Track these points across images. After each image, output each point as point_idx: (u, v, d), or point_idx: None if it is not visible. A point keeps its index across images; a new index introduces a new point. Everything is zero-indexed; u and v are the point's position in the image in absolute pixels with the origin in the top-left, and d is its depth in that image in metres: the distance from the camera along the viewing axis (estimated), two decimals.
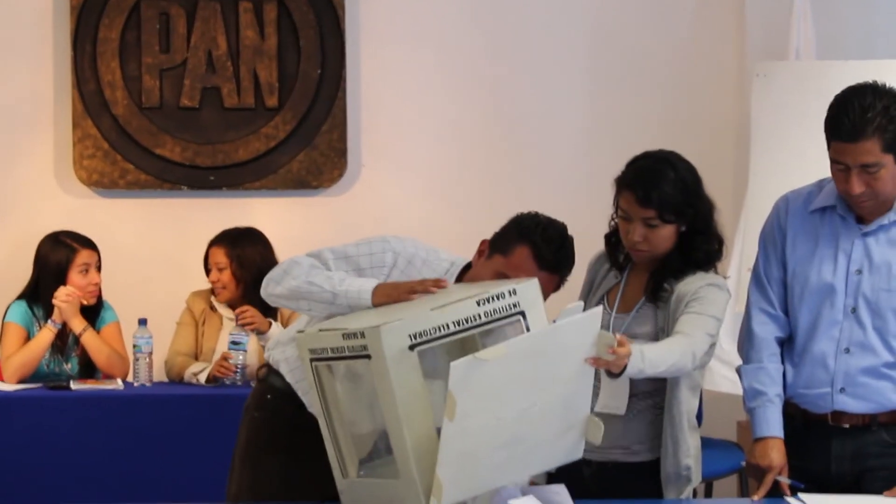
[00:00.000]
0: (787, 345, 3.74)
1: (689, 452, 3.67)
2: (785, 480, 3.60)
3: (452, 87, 6.54)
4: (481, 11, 6.53)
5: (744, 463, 3.72)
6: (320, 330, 3.30)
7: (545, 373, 3.17)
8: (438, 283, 3.43)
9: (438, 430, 3.12)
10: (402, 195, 6.53)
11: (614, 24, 6.53)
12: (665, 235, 3.68)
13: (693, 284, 3.66)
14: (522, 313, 3.26)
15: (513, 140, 6.53)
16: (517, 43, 6.53)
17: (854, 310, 3.61)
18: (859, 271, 3.62)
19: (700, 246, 3.71)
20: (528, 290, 3.29)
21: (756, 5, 6.35)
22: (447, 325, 3.16)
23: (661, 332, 3.66)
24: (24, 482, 5.19)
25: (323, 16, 6.43)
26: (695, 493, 3.79)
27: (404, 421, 3.09)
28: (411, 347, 3.10)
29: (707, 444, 5.89)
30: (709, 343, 3.61)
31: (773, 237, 3.76)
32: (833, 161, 3.54)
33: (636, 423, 3.71)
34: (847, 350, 3.61)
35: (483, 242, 3.71)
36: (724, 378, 5.48)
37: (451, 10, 6.52)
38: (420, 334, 3.11)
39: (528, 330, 3.26)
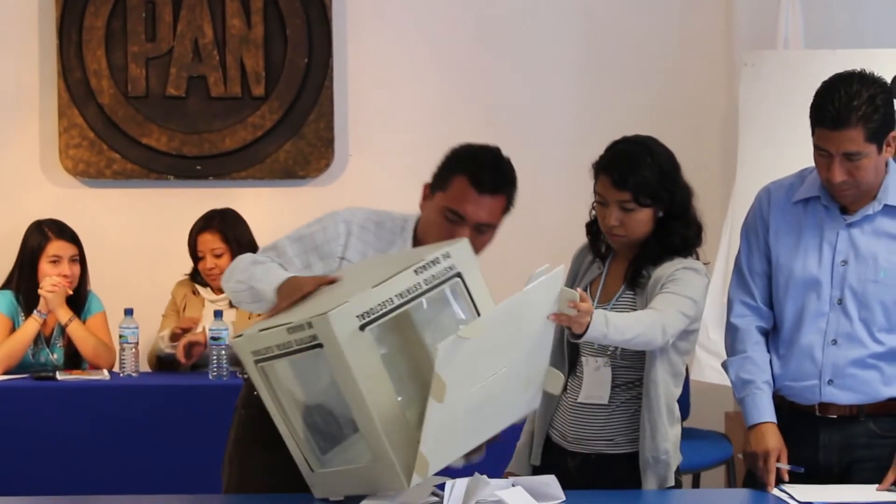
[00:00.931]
0: (773, 337, 3.73)
1: (666, 437, 3.63)
2: (784, 467, 3.58)
3: (440, 76, 6.52)
4: (469, 0, 6.52)
5: (741, 455, 3.70)
6: (260, 330, 3.26)
7: (514, 335, 3.18)
8: (332, 280, 3.39)
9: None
10: (389, 185, 6.50)
11: (602, 14, 6.52)
12: (641, 219, 3.66)
13: (669, 268, 3.63)
14: (459, 274, 3.25)
15: (501, 130, 6.49)
16: (506, 32, 6.52)
17: (840, 301, 3.60)
18: (844, 262, 3.61)
19: (677, 231, 3.68)
20: (460, 250, 3.28)
21: None
22: (391, 300, 3.14)
23: None
24: (9, 472, 5.17)
25: (310, 4, 6.41)
26: (678, 484, 3.75)
27: (370, 402, 3.08)
28: (362, 328, 3.07)
29: (695, 435, 5.92)
30: (683, 322, 3.57)
31: (756, 229, 3.75)
32: (816, 148, 3.53)
33: (619, 415, 3.69)
34: (834, 342, 3.60)
35: (425, 186, 3.69)
36: (711, 369, 5.48)
37: None
38: (368, 313, 3.09)
39: (467, 290, 3.26)
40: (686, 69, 6.50)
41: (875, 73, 3.54)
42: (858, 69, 3.54)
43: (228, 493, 3.79)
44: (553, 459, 3.74)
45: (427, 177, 6.48)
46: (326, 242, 3.63)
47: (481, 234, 3.59)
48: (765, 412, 3.64)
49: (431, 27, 6.52)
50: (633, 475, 3.67)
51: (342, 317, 3.05)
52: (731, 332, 3.77)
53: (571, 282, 3.85)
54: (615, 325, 3.39)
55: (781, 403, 3.68)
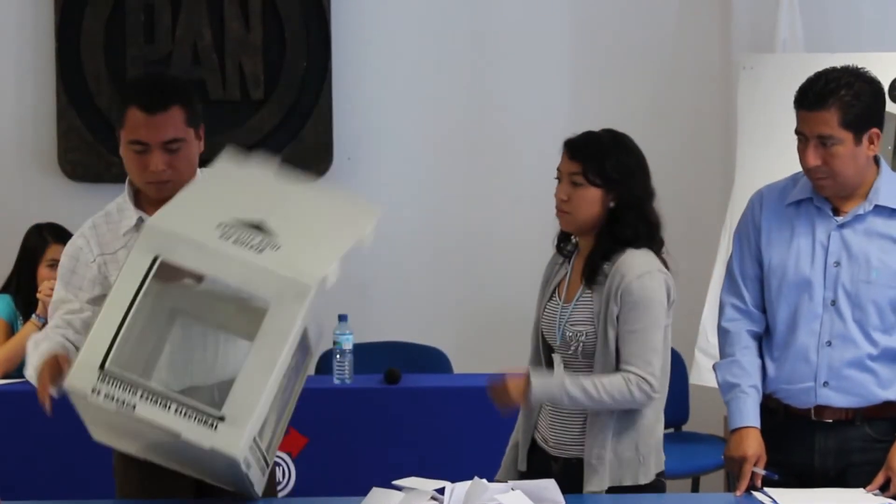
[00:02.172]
0: (767, 340, 3.73)
1: (606, 439, 3.62)
2: (759, 471, 3.58)
3: (439, 79, 6.53)
4: (467, 3, 6.52)
5: (723, 457, 3.71)
6: None
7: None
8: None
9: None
10: (388, 188, 6.51)
11: (599, 16, 6.52)
12: (588, 198, 3.67)
13: (626, 272, 3.62)
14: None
15: (498, 132, 6.53)
16: (502, 34, 6.52)
17: (833, 302, 3.61)
18: (837, 263, 3.61)
19: (630, 222, 3.68)
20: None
21: None
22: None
23: (596, 318, 3.65)
24: (8, 477, 5.17)
25: (308, 8, 6.41)
26: (661, 486, 3.74)
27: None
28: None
29: (694, 439, 5.93)
30: (658, 356, 3.62)
31: (748, 233, 3.75)
32: (797, 133, 3.57)
33: (592, 423, 3.70)
34: (829, 343, 3.60)
35: (118, 133, 3.69)
36: (710, 373, 5.45)
37: (437, 2, 6.51)
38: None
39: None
40: (684, 72, 6.49)
41: (868, 72, 3.56)
42: (852, 65, 3.58)
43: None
44: (539, 464, 3.75)
45: (426, 180, 6.53)
46: (77, 263, 3.68)
47: (176, 152, 3.61)
48: (747, 417, 3.65)
49: (430, 30, 6.52)
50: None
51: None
52: (722, 336, 3.78)
53: (542, 286, 3.88)
54: (575, 397, 3.59)
55: (777, 407, 3.68)
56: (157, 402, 3.07)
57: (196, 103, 3.69)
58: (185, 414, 3.06)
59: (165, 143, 3.57)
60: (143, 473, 3.66)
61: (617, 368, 3.61)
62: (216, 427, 3.04)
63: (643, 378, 3.58)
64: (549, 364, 3.78)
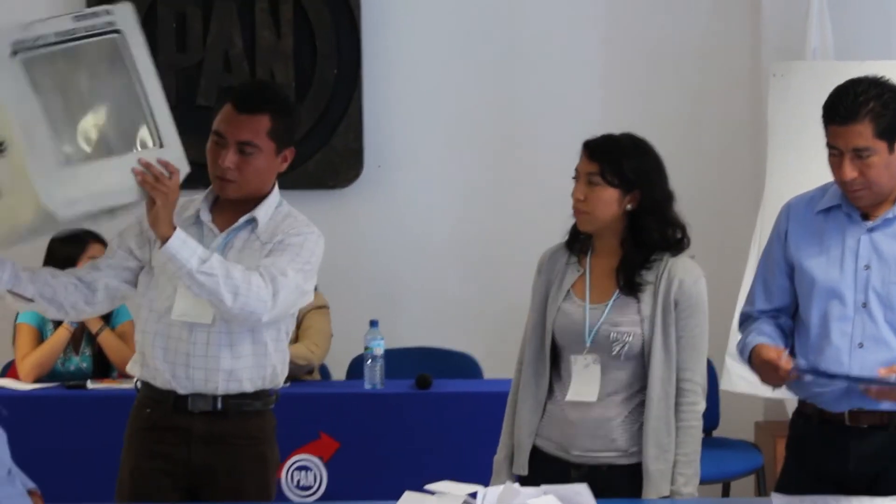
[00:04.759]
0: (800, 343, 3.72)
1: (662, 444, 3.65)
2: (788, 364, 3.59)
3: (469, 86, 6.54)
4: (497, 10, 6.54)
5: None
6: None
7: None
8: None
9: None
10: (418, 195, 6.54)
11: (629, 23, 6.53)
12: (605, 198, 3.67)
13: (685, 277, 3.67)
14: (119, 31, 3.57)
15: (527, 138, 6.54)
16: (533, 42, 6.54)
17: (865, 304, 3.61)
18: (867, 266, 3.62)
19: (653, 227, 3.69)
20: (123, 12, 3.61)
21: (773, 5, 6.34)
22: (46, 36, 3.43)
23: (646, 322, 3.65)
24: (39, 481, 5.19)
25: (339, 15, 6.44)
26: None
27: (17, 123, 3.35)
28: (14, 54, 3.37)
29: (724, 444, 5.93)
30: (705, 357, 3.73)
31: (772, 244, 3.79)
32: (828, 147, 3.58)
33: (629, 424, 3.70)
34: (861, 345, 3.61)
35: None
36: (740, 378, 5.47)
37: (468, 9, 6.53)
38: (20, 42, 3.38)
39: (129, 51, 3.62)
40: (715, 80, 6.50)
41: (889, 80, 3.58)
42: (872, 75, 3.59)
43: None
44: (546, 471, 3.71)
45: (456, 186, 6.54)
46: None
47: (248, 156, 3.76)
48: (756, 340, 3.68)
49: (460, 37, 6.54)
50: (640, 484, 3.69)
51: None
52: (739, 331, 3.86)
53: (545, 288, 3.83)
54: (692, 483, 3.65)
55: (812, 412, 3.69)
56: None
57: (288, 121, 3.83)
58: None
59: (240, 142, 3.73)
60: (137, 479, 3.86)
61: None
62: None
63: (701, 386, 3.69)
64: (554, 366, 3.78)
